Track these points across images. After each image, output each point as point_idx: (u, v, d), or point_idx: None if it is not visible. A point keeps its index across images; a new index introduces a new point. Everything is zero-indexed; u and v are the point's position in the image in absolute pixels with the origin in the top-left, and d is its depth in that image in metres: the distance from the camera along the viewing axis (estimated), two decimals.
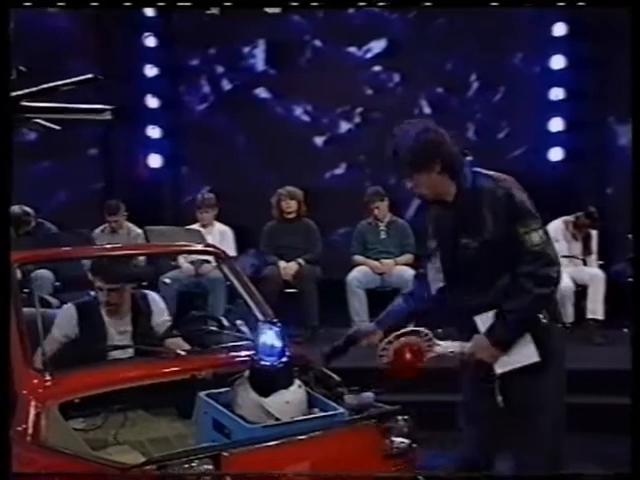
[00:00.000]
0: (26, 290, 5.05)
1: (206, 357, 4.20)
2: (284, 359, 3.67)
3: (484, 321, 3.35)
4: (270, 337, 3.67)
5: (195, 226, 7.67)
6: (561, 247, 7.59)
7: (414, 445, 3.81)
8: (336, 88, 9.32)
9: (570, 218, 7.80)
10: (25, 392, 3.67)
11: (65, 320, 4.49)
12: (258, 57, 9.78)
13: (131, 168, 9.70)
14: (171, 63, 9.77)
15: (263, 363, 3.65)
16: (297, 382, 3.72)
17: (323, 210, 8.40)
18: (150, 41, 9.62)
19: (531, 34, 9.14)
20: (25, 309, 4.14)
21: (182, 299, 7.61)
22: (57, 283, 7.56)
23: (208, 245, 5.15)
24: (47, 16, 9.24)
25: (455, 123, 9.03)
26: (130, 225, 8.27)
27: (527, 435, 3.36)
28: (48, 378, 3.75)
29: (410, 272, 6.61)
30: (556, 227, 7.67)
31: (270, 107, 9.71)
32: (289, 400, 3.64)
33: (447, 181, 3.41)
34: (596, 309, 7.52)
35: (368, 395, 3.88)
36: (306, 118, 9.75)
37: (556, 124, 9.07)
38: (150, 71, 9.64)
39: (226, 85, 9.88)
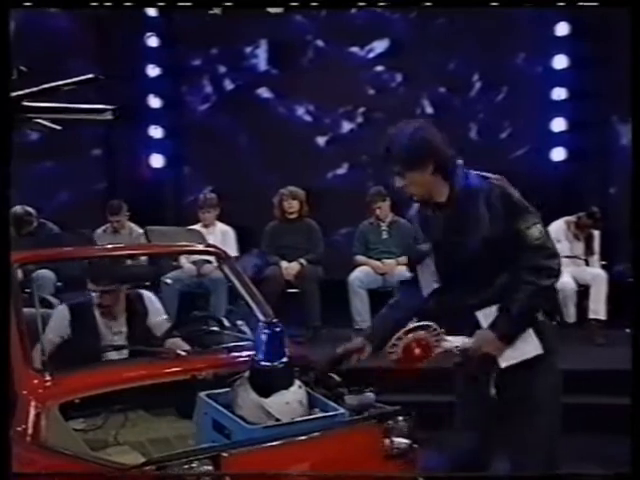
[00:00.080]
0: (27, 290, 5.05)
1: (206, 357, 4.19)
2: (284, 360, 3.66)
3: (486, 316, 3.35)
4: (270, 337, 3.66)
5: (197, 226, 7.67)
6: (563, 247, 7.58)
7: (415, 445, 3.80)
8: (338, 88, 9.31)
9: (572, 218, 7.79)
10: (25, 392, 3.66)
11: (58, 321, 4.50)
12: (260, 57, 9.79)
13: (133, 168, 9.70)
14: (173, 63, 9.78)
15: (263, 364, 3.64)
16: (297, 382, 3.72)
17: (325, 210, 8.39)
18: (152, 41, 9.64)
19: (533, 34, 9.13)
20: (26, 309, 4.14)
21: (184, 299, 7.61)
22: (59, 283, 7.56)
23: (209, 245, 5.15)
24: (49, 16, 9.26)
25: (457, 123, 9.06)
26: (132, 225, 8.27)
27: (522, 434, 3.36)
28: (48, 378, 3.75)
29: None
30: (558, 227, 7.67)
31: (272, 107, 9.71)
32: (289, 401, 3.63)
33: (440, 182, 3.40)
34: (598, 309, 7.52)
35: (368, 395, 3.88)
36: (308, 118, 9.75)
37: (558, 124, 9.07)
38: (152, 71, 9.65)
39: (228, 85, 9.89)
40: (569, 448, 3.43)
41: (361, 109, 9.65)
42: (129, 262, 6.87)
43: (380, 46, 9.58)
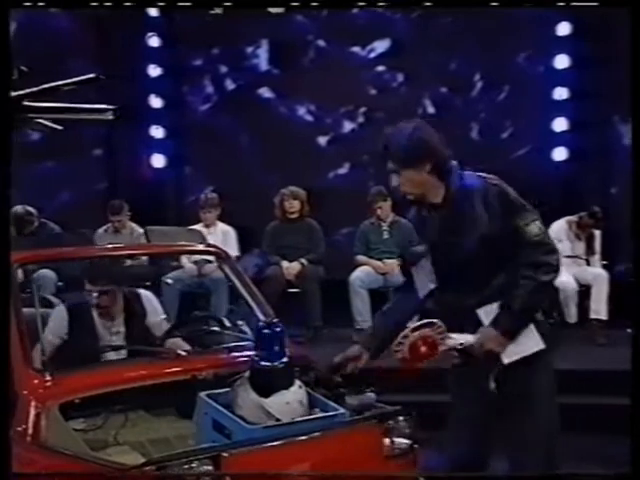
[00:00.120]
0: (28, 290, 5.05)
1: (206, 357, 4.19)
2: (284, 359, 3.66)
3: (487, 313, 3.36)
4: (270, 337, 3.66)
5: (198, 226, 7.67)
6: (564, 247, 7.58)
7: (415, 446, 3.80)
8: (339, 88, 9.31)
9: (573, 218, 7.78)
10: (25, 392, 3.66)
11: (57, 322, 4.49)
12: (261, 57, 9.79)
13: (134, 168, 9.70)
14: (174, 63, 9.78)
15: (263, 364, 3.64)
16: (297, 382, 3.71)
17: (326, 210, 8.39)
18: (153, 41, 9.64)
19: (535, 34, 9.13)
20: (26, 309, 4.14)
21: (184, 299, 7.61)
22: (60, 283, 7.56)
23: (209, 245, 5.15)
24: (51, 16, 9.26)
25: (459, 123, 9.06)
26: (133, 225, 8.27)
27: (521, 431, 3.36)
28: (48, 378, 3.75)
29: None
30: (559, 227, 7.66)
31: (273, 107, 9.72)
32: (289, 401, 3.62)
33: (436, 182, 3.41)
34: (599, 309, 7.50)
35: (369, 395, 3.88)
36: (309, 118, 9.75)
37: (560, 124, 9.07)
38: (153, 71, 9.66)
39: (229, 85, 9.89)
40: (569, 448, 3.43)
41: (362, 109, 9.64)
42: (129, 262, 6.88)
43: (381, 46, 9.58)
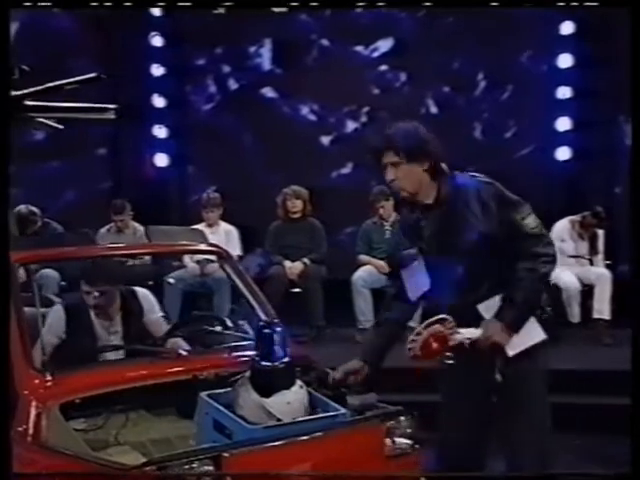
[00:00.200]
0: (29, 290, 5.04)
1: (207, 357, 4.18)
2: (285, 359, 3.65)
3: (488, 308, 3.39)
4: (271, 337, 3.65)
5: (200, 225, 7.65)
6: (567, 247, 7.58)
7: (417, 446, 3.79)
8: (342, 87, 9.31)
9: (577, 217, 7.76)
10: (26, 392, 3.66)
11: (55, 322, 4.48)
12: (264, 56, 9.79)
13: (137, 167, 9.72)
14: (177, 62, 9.79)
15: (264, 363, 3.63)
16: (299, 382, 3.70)
17: (329, 209, 8.38)
18: (157, 40, 9.65)
19: (538, 33, 9.11)
20: (28, 308, 4.13)
21: (187, 299, 7.62)
22: (63, 282, 7.56)
23: (211, 244, 5.14)
24: (54, 16, 9.27)
25: (462, 122, 9.06)
26: (136, 224, 8.26)
27: (519, 427, 3.39)
28: (49, 378, 3.74)
29: None
30: (562, 226, 7.65)
31: (276, 106, 9.72)
32: (290, 401, 3.62)
33: (430, 182, 3.45)
34: (602, 309, 7.48)
35: (371, 395, 3.87)
36: (312, 117, 9.75)
37: (563, 123, 9.06)
38: (156, 70, 9.67)
39: (232, 84, 9.89)
40: (569, 448, 3.43)
41: (365, 108, 9.64)
42: (131, 262, 6.88)
43: (384, 45, 9.57)
